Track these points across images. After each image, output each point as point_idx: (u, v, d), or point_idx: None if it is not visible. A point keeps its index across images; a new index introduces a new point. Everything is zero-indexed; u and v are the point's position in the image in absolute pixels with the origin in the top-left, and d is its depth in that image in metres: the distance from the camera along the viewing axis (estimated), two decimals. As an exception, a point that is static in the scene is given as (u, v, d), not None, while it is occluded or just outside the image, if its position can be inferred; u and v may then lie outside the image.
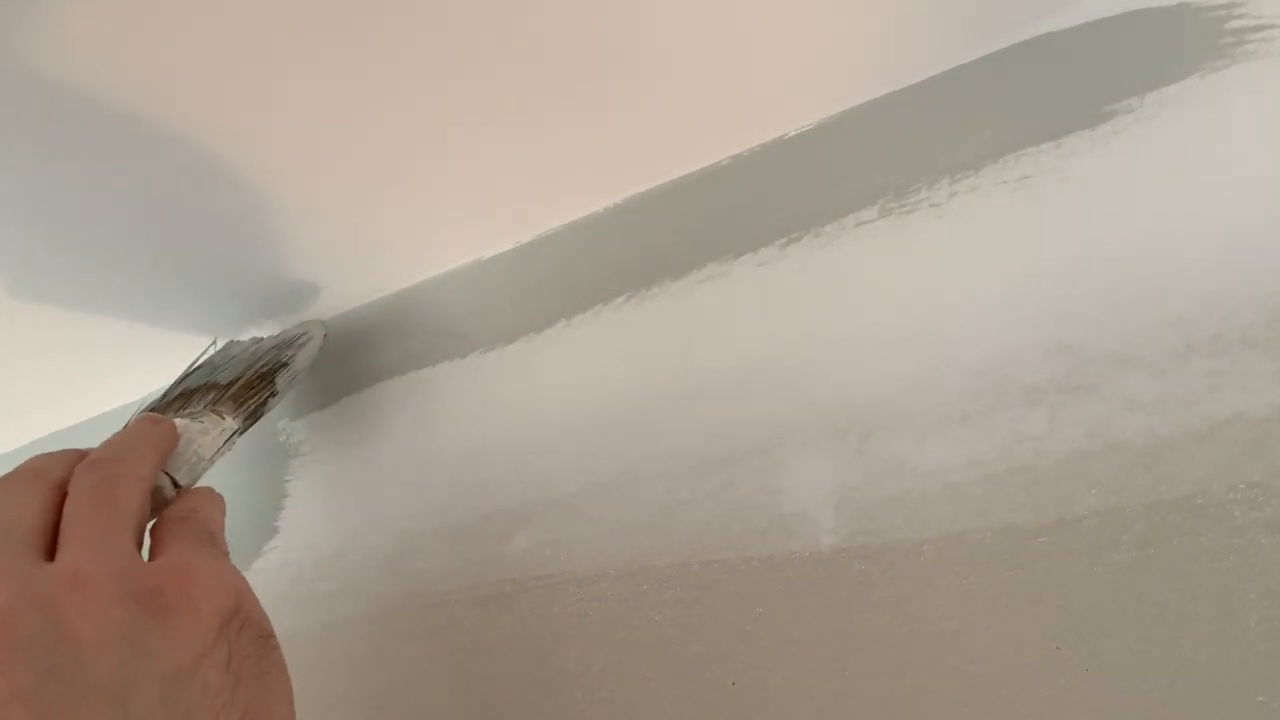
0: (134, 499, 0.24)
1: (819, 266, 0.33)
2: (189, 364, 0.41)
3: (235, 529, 0.40)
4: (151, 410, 0.36)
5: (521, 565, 0.36)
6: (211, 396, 0.35)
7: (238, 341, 0.44)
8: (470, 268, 0.42)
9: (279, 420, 0.45)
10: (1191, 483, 0.25)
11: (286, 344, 0.41)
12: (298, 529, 0.43)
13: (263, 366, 0.38)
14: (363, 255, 0.40)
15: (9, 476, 0.24)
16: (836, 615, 0.29)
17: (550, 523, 0.36)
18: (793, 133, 0.35)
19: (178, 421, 0.31)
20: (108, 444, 0.26)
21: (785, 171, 0.35)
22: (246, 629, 0.23)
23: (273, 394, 0.37)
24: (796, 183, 0.34)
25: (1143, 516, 0.25)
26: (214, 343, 0.43)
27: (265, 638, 0.24)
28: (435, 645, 0.37)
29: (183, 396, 0.37)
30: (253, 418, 0.35)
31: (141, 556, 0.23)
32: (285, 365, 0.38)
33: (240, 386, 0.36)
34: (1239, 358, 0.25)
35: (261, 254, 0.39)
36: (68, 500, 0.23)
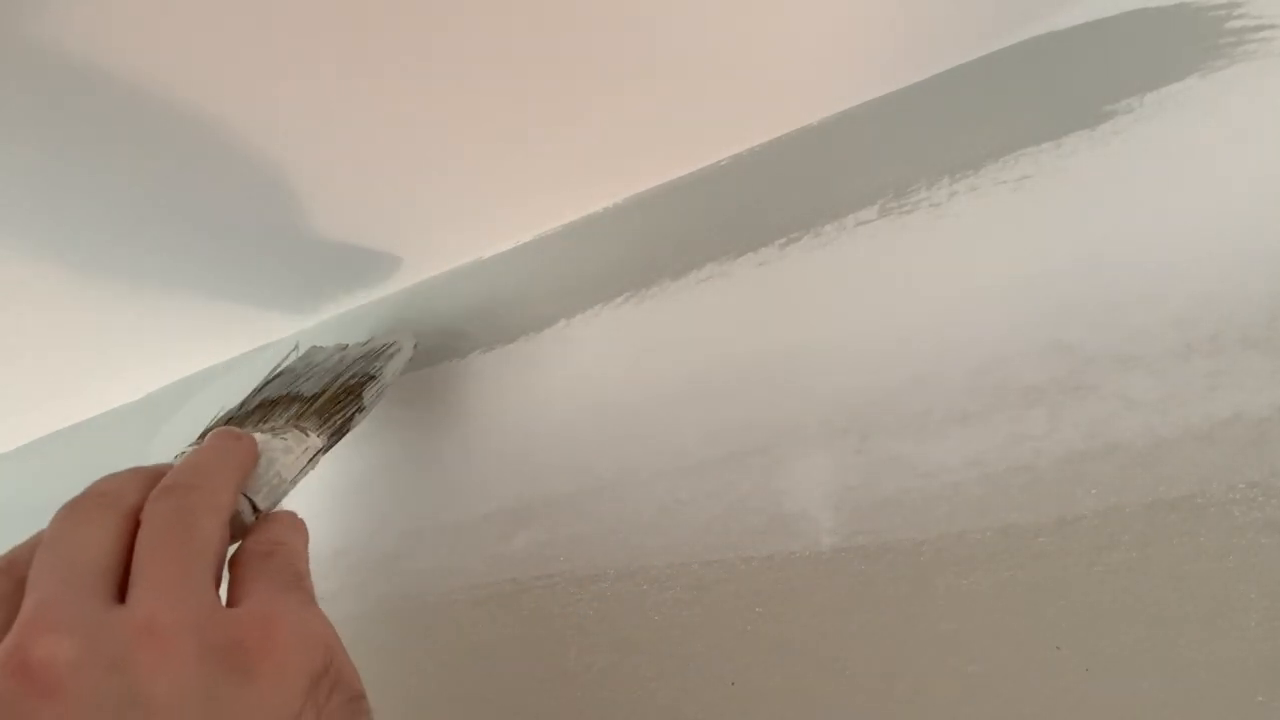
0: (213, 531, 0.22)
1: (819, 266, 0.33)
2: (269, 370, 0.38)
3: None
4: (230, 421, 0.34)
5: (521, 565, 0.36)
6: (295, 410, 0.33)
7: (321, 347, 0.41)
8: (470, 268, 0.42)
9: (279, 420, 0.45)
10: (1191, 483, 0.25)
11: (375, 354, 0.38)
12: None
13: (349, 379, 0.35)
14: (363, 255, 0.40)
15: (77, 503, 0.22)
16: (836, 615, 0.29)
17: (550, 523, 0.36)
18: (793, 132, 0.35)
19: (258, 437, 0.29)
20: (184, 465, 0.24)
21: (785, 171, 0.35)
22: (337, 690, 0.20)
23: (359, 409, 0.34)
24: (796, 183, 0.34)
25: (1143, 516, 0.25)
26: (296, 348, 0.41)
27: (356, 699, 0.21)
28: (435, 645, 0.37)
29: (263, 407, 0.34)
30: (338, 434, 0.33)
31: (220, 599, 0.21)
32: (373, 378, 0.35)
33: (325, 400, 0.33)
34: (1239, 357, 0.25)
35: (263, 256, 0.39)
36: (141, 532, 0.21)
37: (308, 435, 0.31)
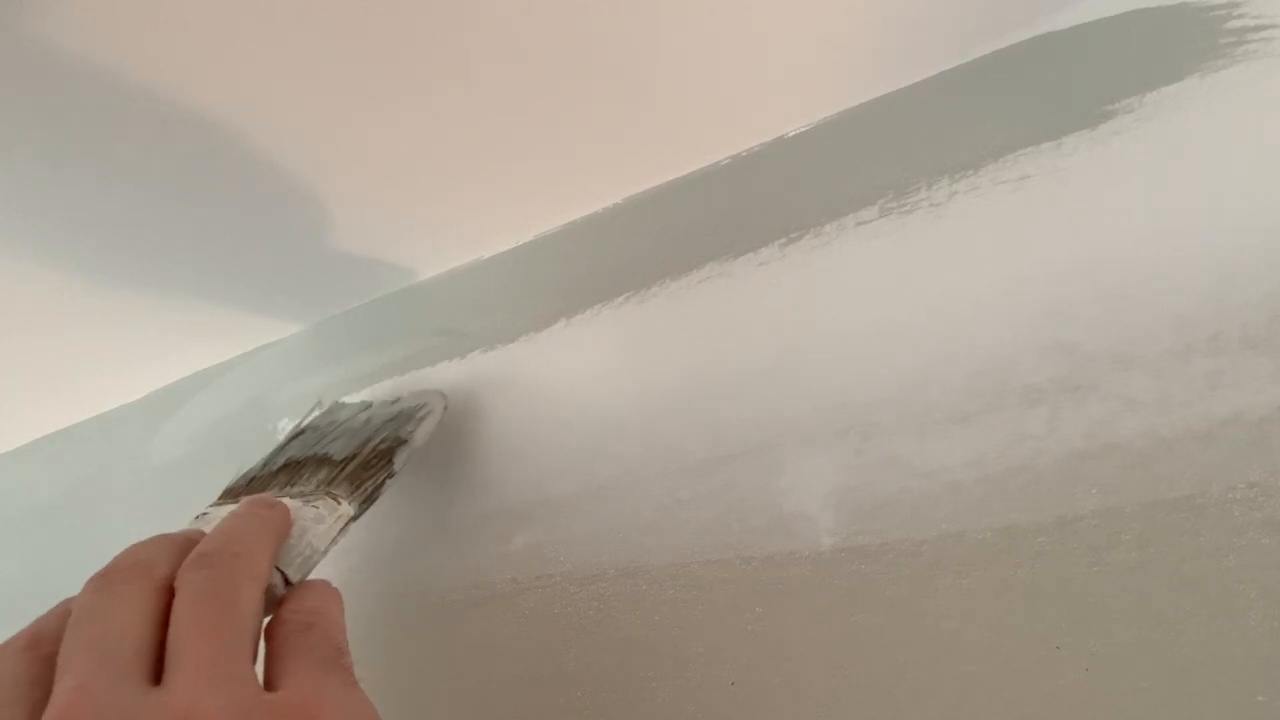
0: (251, 605, 0.21)
1: (819, 266, 0.33)
2: (293, 428, 0.37)
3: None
4: (253, 481, 0.33)
5: (521, 565, 0.36)
6: (324, 474, 0.32)
7: (344, 404, 0.40)
8: (470, 268, 0.42)
9: (279, 420, 0.45)
10: (1191, 483, 0.25)
11: (405, 417, 0.36)
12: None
13: (380, 443, 0.34)
14: (363, 255, 0.40)
15: (108, 575, 0.21)
16: (836, 615, 0.29)
17: (550, 523, 0.36)
18: (793, 133, 0.35)
19: (290, 504, 0.28)
20: (218, 533, 0.23)
21: (785, 171, 0.35)
22: None
23: (390, 475, 0.33)
24: (796, 183, 0.34)
25: (1142, 516, 0.25)
26: (319, 404, 0.40)
27: None
28: (435, 645, 0.37)
29: (289, 469, 0.33)
30: (369, 501, 0.32)
31: (258, 679, 0.20)
32: (405, 442, 0.34)
33: (357, 466, 0.32)
34: (1239, 357, 0.25)
35: (263, 256, 0.39)
36: (177, 605, 0.20)
37: (339, 503, 0.30)
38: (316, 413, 0.39)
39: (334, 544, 0.29)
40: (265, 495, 0.28)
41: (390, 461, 0.33)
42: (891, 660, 0.28)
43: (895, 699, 0.27)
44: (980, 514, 0.27)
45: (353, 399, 0.40)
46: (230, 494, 0.33)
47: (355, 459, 0.33)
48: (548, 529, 0.36)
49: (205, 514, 0.29)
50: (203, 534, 0.24)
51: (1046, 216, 0.29)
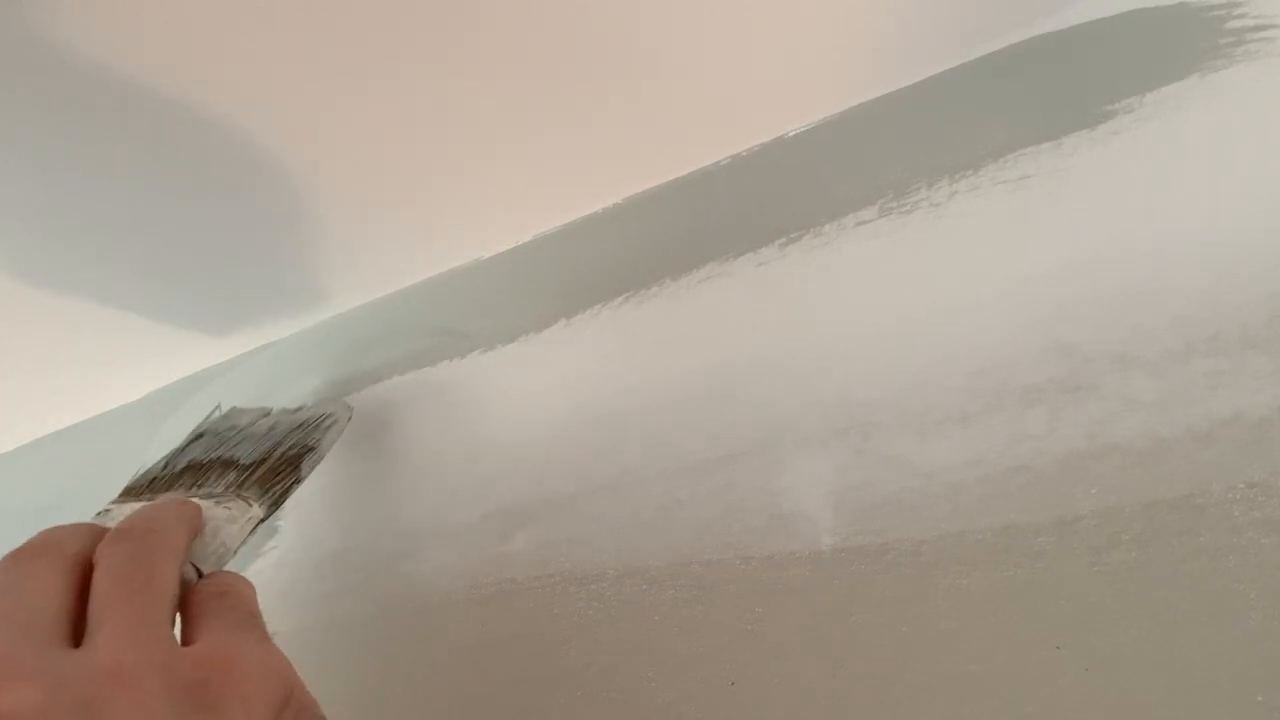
0: (170, 575, 0.22)
1: (819, 266, 0.33)
2: (191, 431, 0.38)
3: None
4: (155, 481, 0.33)
5: (521, 565, 0.36)
6: (233, 477, 0.32)
7: (243, 410, 0.40)
8: (470, 268, 0.42)
9: (279, 420, 0.45)
10: (1191, 482, 0.25)
11: (312, 425, 0.37)
12: (298, 529, 0.43)
13: (289, 450, 0.35)
14: (364, 255, 0.40)
15: (20, 552, 0.21)
16: (836, 615, 0.29)
17: (550, 523, 0.36)
18: (793, 133, 0.35)
19: (201, 504, 0.29)
20: (135, 516, 0.24)
21: (785, 171, 0.35)
22: (300, 718, 0.21)
23: (297, 481, 0.34)
24: (796, 183, 0.34)
25: (1142, 516, 0.25)
26: (217, 407, 0.40)
27: None
28: (435, 645, 0.37)
29: (193, 470, 0.34)
30: (276, 505, 0.33)
31: (177, 641, 0.21)
32: (311, 449, 0.35)
33: (266, 471, 0.33)
34: (1239, 357, 0.25)
35: (264, 255, 0.39)
36: (97, 575, 0.21)
37: (250, 505, 0.31)
38: (216, 415, 0.39)
39: (243, 544, 0.30)
40: (179, 496, 0.29)
41: (298, 468, 0.34)
42: (891, 660, 0.28)
43: (895, 699, 0.27)
44: (980, 514, 0.27)
45: (251, 405, 0.40)
46: (131, 492, 0.33)
47: (264, 464, 0.33)
48: (548, 529, 0.36)
49: (108, 510, 0.30)
50: (108, 527, 0.24)
51: (1046, 216, 0.29)
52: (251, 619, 0.23)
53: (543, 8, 0.27)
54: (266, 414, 0.39)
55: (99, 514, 0.30)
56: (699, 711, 0.30)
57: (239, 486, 0.32)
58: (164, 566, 0.22)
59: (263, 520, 0.31)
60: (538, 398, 0.38)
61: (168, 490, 0.32)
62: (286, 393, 0.45)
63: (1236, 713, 0.23)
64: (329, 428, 0.38)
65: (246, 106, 0.29)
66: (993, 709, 0.26)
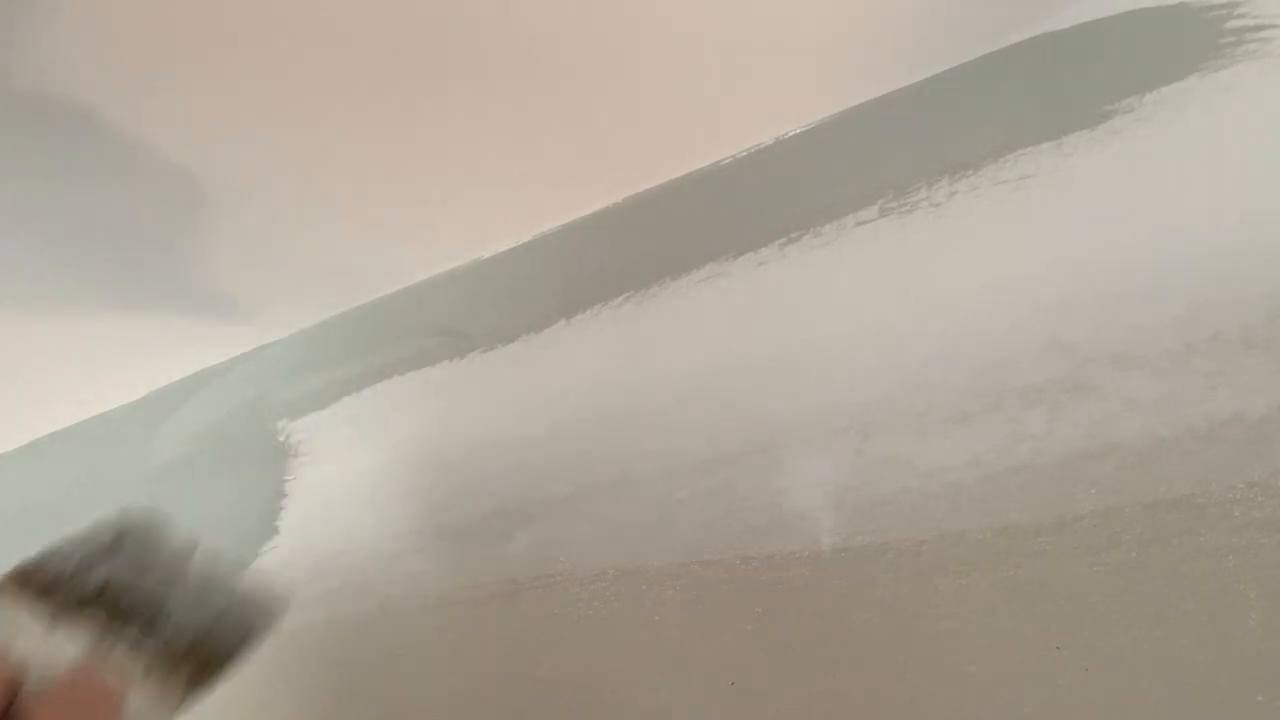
0: None
1: (819, 266, 0.33)
2: (109, 533, 0.31)
3: (235, 529, 0.40)
4: (60, 579, 0.28)
5: (521, 565, 0.36)
6: (164, 657, 0.28)
7: (160, 537, 0.33)
8: (470, 268, 0.42)
9: (279, 420, 0.45)
10: (1191, 483, 0.25)
11: (240, 628, 0.31)
12: (298, 529, 0.43)
13: (215, 649, 0.30)
14: (364, 256, 0.40)
15: None
16: (836, 615, 0.29)
17: (550, 523, 0.36)
18: (793, 133, 0.35)
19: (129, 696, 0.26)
20: None
21: (785, 171, 0.35)
22: None
23: (211, 686, 0.29)
24: (796, 183, 0.34)
25: (1142, 516, 0.25)
26: (139, 513, 0.33)
27: None
28: (435, 645, 0.37)
29: (107, 600, 0.29)
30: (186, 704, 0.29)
31: None
32: (231, 660, 0.30)
33: (195, 669, 0.29)
34: (1239, 357, 0.25)
35: (264, 257, 0.39)
36: None
37: (171, 696, 0.28)
38: (132, 527, 0.32)
39: None
40: (88, 624, 0.27)
41: (217, 677, 0.30)
42: (891, 660, 0.28)
43: (895, 699, 0.27)
44: (980, 514, 0.27)
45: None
46: (27, 582, 0.28)
47: (193, 654, 0.29)
48: (548, 529, 0.36)
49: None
50: None
51: (1046, 216, 0.29)
52: None
53: (543, 8, 0.27)
54: (190, 559, 0.32)
55: None
56: (699, 711, 0.30)
57: (170, 670, 0.28)
58: None
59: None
60: (538, 398, 0.38)
61: (74, 613, 0.28)
62: (286, 393, 0.45)
63: (1236, 713, 0.23)
64: (259, 635, 0.32)
65: (246, 109, 0.29)
66: (993, 709, 0.26)
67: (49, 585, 0.28)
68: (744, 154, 0.36)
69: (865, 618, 0.28)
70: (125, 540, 0.32)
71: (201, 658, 0.29)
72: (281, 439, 0.45)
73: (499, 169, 0.35)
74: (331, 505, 0.43)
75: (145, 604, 0.29)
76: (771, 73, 0.32)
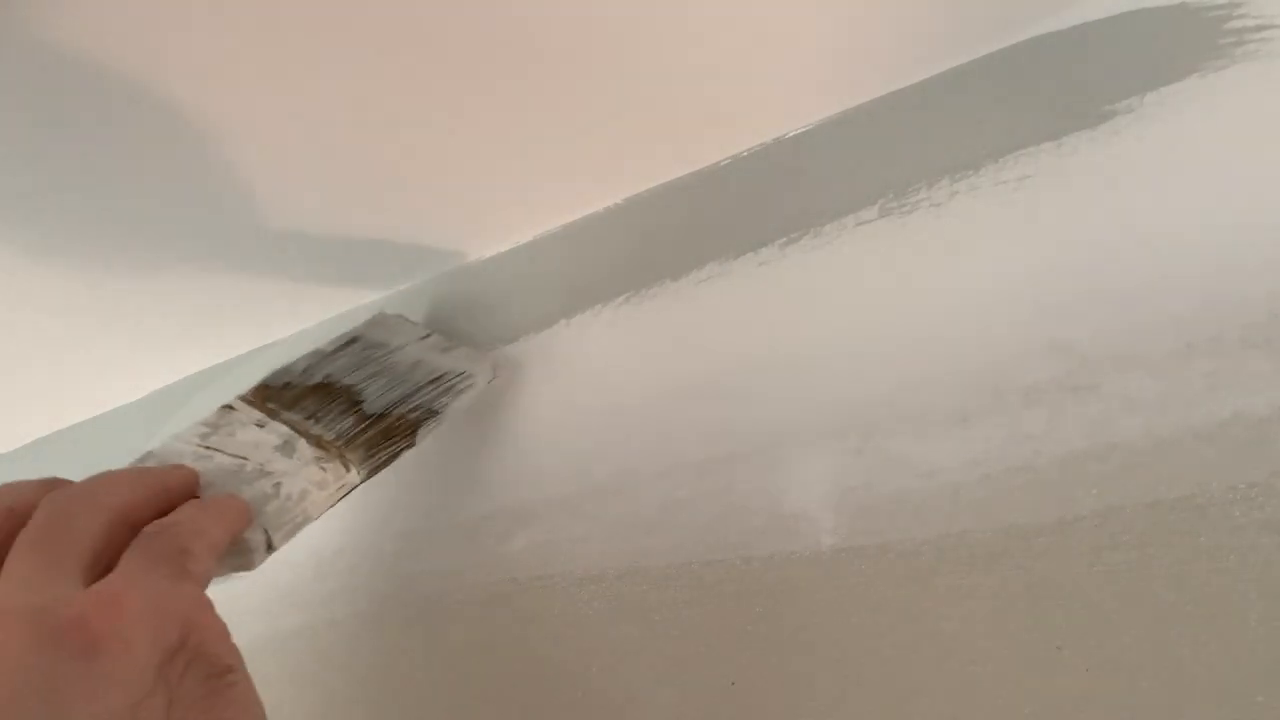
0: (91, 526, 0.21)
1: (819, 266, 0.33)
2: (346, 333, 0.36)
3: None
4: (289, 384, 0.32)
5: (521, 565, 0.36)
6: (348, 426, 0.31)
7: (403, 322, 0.38)
8: (471, 267, 0.42)
9: (279, 420, 0.45)
10: (1191, 482, 0.25)
11: (447, 382, 0.35)
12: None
13: (412, 410, 0.33)
14: (364, 256, 0.40)
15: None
16: (836, 615, 0.29)
17: (550, 523, 0.36)
18: (793, 133, 0.35)
19: (300, 458, 0.28)
20: (177, 515, 0.23)
21: (785, 171, 0.35)
22: (194, 666, 0.19)
23: (410, 446, 0.33)
24: (796, 183, 0.34)
25: (1143, 516, 0.25)
26: (381, 313, 0.38)
27: (220, 674, 0.20)
28: (435, 645, 0.37)
29: (321, 391, 0.32)
30: (377, 471, 0.31)
31: (80, 586, 0.20)
32: (435, 414, 0.34)
33: (380, 432, 0.32)
34: (1239, 357, 0.25)
35: (264, 256, 0.39)
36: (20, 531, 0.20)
37: (347, 470, 0.30)
38: (377, 318, 0.38)
39: (329, 509, 0.29)
40: (294, 417, 0.29)
41: (414, 434, 0.33)
42: (891, 660, 0.28)
43: (895, 699, 0.27)
44: (980, 514, 0.27)
45: (415, 317, 0.39)
46: (263, 393, 0.32)
47: (383, 420, 0.32)
48: (548, 529, 0.36)
49: (231, 408, 0.30)
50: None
51: (1046, 216, 0.29)
52: (174, 555, 0.21)
53: (543, 8, 0.27)
54: (424, 338, 0.37)
55: (223, 407, 0.30)
56: (699, 711, 0.30)
57: (348, 442, 0.30)
58: (84, 518, 0.21)
59: (356, 486, 0.30)
60: (538, 398, 0.38)
61: (291, 410, 0.31)
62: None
63: (1236, 713, 0.23)
64: (463, 391, 0.35)
65: (245, 110, 0.29)
66: (993, 709, 0.26)
67: (279, 389, 0.32)
68: (744, 154, 0.36)
69: (865, 618, 0.28)
70: (355, 340, 0.36)
71: (383, 430, 0.32)
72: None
73: (498, 169, 0.35)
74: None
75: (350, 394, 0.32)
76: (771, 72, 0.32)
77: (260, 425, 0.30)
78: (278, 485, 0.28)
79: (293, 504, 0.27)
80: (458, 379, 0.36)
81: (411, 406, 0.34)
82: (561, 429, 0.37)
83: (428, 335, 0.38)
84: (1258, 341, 0.25)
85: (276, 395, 0.32)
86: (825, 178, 0.34)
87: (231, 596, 0.40)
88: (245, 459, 0.28)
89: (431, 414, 0.34)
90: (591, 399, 0.37)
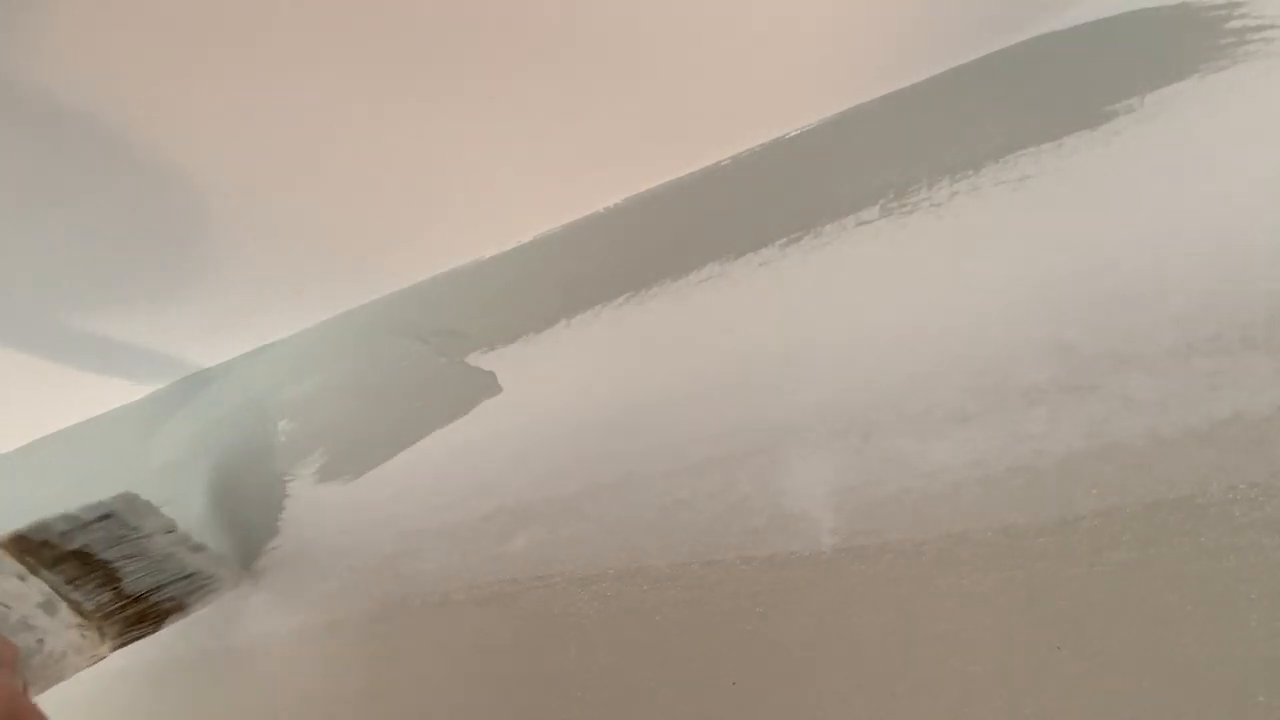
0: None
1: (819, 266, 0.33)
2: (98, 505, 0.37)
3: (236, 529, 0.40)
4: (46, 542, 0.34)
5: (521, 565, 0.36)
6: (107, 600, 0.33)
7: (152, 510, 0.40)
8: (470, 268, 0.42)
9: (279, 420, 0.45)
10: (1191, 483, 0.25)
11: (198, 582, 0.38)
12: (298, 529, 0.43)
13: (165, 599, 0.36)
14: (364, 256, 0.40)
15: None
16: (836, 615, 0.29)
17: (550, 523, 0.36)
18: (793, 133, 0.35)
19: (60, 620, 0.29)
20: None
21: (785, 171, 0.35)
22: None
23: (154, 632, 0.36)
24: (796, 183, 0.34)
25: (1143, 516, 0.25)
26: (126, 495, 0.39)
27: None
28: (435, 645, 0.37)
29: (79, 559, 0.34)
30: (120, 648, 0.34)
31: None
32: (185, 609, 0.37)
33: (136, 613, 0.35)
34: (1239, 357, 0.25)
35: (264, 258, 0.39)
36: None
37: (101, 643, 0.32)
38: (125, 503, 0.39)
39: (73, 676, 0.31)
40: (55, 578, 0.31)
41: (162, 621, 0.36)
42: (891, 660, 0.28)
43: (895, 699, 0.27)
44: (980, 514, 0.27)
45: (161, 510, 0.40)
46: (19, 545, 0.33)
47: (141, 603, 0.35)
48: (548, 529, 0.36)
49: None
50: None
51: (1047, 216, 0.29)
52: None
53: (544, 8, 0.27)
54: (170, 530, 0.40)
55: None
56: (699, 711, 0.30)
57: (106, 616, 0.33)
58: None
59: (102, 659, 0.32)
60: (538, 398, 0.38)
61: (50, 570, 0.33)
62: (286, 393, 0.45)
63: (1236, 713, 0.23)
64: (210, 593, 0.39)
65: (247, 108, 0.29)
66: (993, 709, 0.26)
67: (37, 545, 0.33)
68: (744, 154, 0.36)
69: (865, 618, 0.28)
70: (110, 516, 0.37)
71: (138, 613, 0.34)
72: (282, 439, 0.45)
73: (499, 169, 0.35)
74: (332, 505, 0.43)
75: (107, 570, 0.34)
76: (771, 72, 0.32)
77: (21, 579, 0.32)
78: (40, 641, 0.30)
79: (53, 662, 0.29)
80: (207, 581, 0.39)
81: (167, 596, 0.37)
82: (562, 429, 0.37)
83: (172, 530, 0.40)
84: (1258, 341, 0.25)
85: (35, 551, 0.34)
86: (825, 178, 0.34)
87: (231, 597, 0.41)
88: (9, 607, 0.30)
89: (181, 608, 0.37)
90: (592, 399, 0.37)
